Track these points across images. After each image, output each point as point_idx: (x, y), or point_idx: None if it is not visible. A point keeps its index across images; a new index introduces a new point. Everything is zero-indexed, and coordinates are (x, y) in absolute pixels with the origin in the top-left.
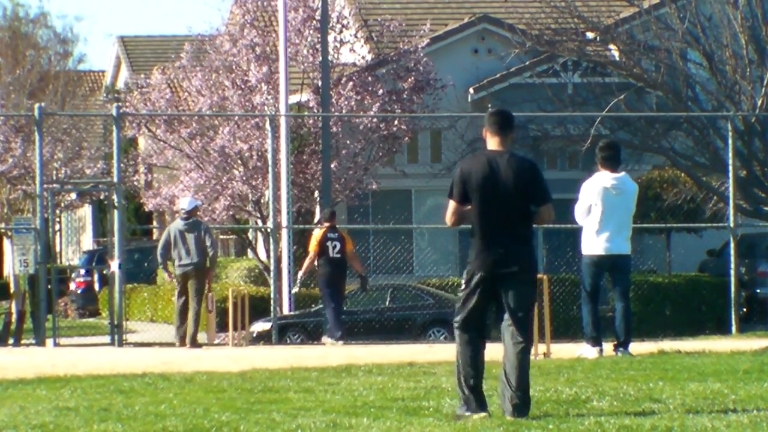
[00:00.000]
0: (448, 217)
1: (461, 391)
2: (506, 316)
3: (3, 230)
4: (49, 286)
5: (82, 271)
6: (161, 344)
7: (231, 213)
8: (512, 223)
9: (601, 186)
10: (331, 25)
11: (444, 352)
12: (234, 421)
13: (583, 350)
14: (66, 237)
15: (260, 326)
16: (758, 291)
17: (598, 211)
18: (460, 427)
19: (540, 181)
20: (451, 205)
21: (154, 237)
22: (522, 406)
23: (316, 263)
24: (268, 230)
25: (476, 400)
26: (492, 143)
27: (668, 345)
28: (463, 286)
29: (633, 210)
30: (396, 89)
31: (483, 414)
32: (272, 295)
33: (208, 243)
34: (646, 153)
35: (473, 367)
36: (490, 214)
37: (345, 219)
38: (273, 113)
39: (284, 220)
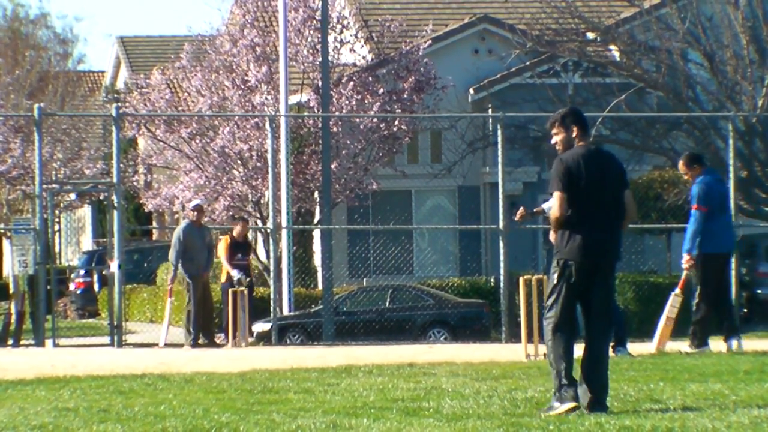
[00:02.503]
0: (558, 210)
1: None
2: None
3: (2, 231)
4: (49, 287)
5: (82, 272)
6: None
7: (231, 213)
8: (611, 214)
9: None
10: (331, 25)
11: (444, 352)
12: (234, 421)
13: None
14: (65, 237)
15: (260, 327)
16: (759, 291)
17: None
18: (459, 428)
19: (625, 170)
20: (560, 196)
21: (154, 238)
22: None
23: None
24: (268, 231)
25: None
26: (582, 141)
27: (669, 345)
28: (555, 278)
29: None
30: (396, 89)
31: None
32: (272, 296)
33: None
34: (646, 153)
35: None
36: (595, 205)
37: (345, 219)
38: (273, 113)
39: (284, 220)
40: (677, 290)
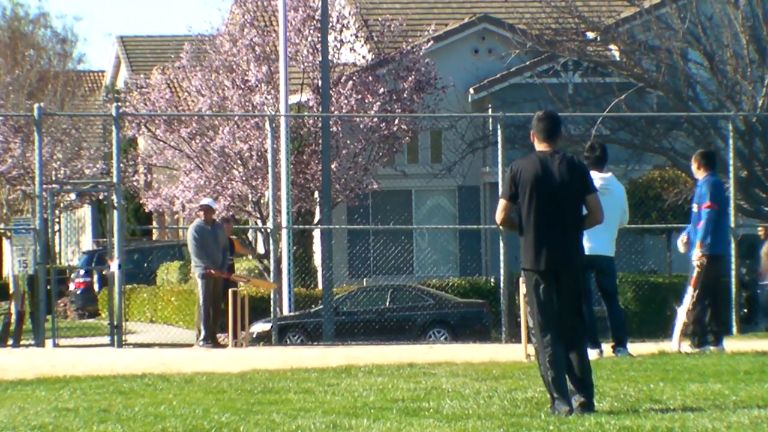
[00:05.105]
0: (498, 215)
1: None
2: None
3: (2, 231)
4: (49, 287)
5: (82, 272)
6: (161, 345)
7: (231, 213)
8: (565, 220)
9: None
10: (331, 24)
11: (444, 352)
12: (234, 422)
13: None
14: (65, 237)
15: (260, 327)
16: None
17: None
18: (459, 428)
19: (588, 175)
20: (502, 203)
21: (154, 237)
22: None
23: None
24: (268, 230)
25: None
26: (542, 146)
27: (669, 345)
28: (524, 287)
29: (621, 211)
30: (396, 89)
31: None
32: (272, 296)
33: None
34: (646, 153)
35: (555, 368)
36: (543, 212)
37: (345, 219)
38: (273, 113)
39: (284, 220)
40: (691, 288)
